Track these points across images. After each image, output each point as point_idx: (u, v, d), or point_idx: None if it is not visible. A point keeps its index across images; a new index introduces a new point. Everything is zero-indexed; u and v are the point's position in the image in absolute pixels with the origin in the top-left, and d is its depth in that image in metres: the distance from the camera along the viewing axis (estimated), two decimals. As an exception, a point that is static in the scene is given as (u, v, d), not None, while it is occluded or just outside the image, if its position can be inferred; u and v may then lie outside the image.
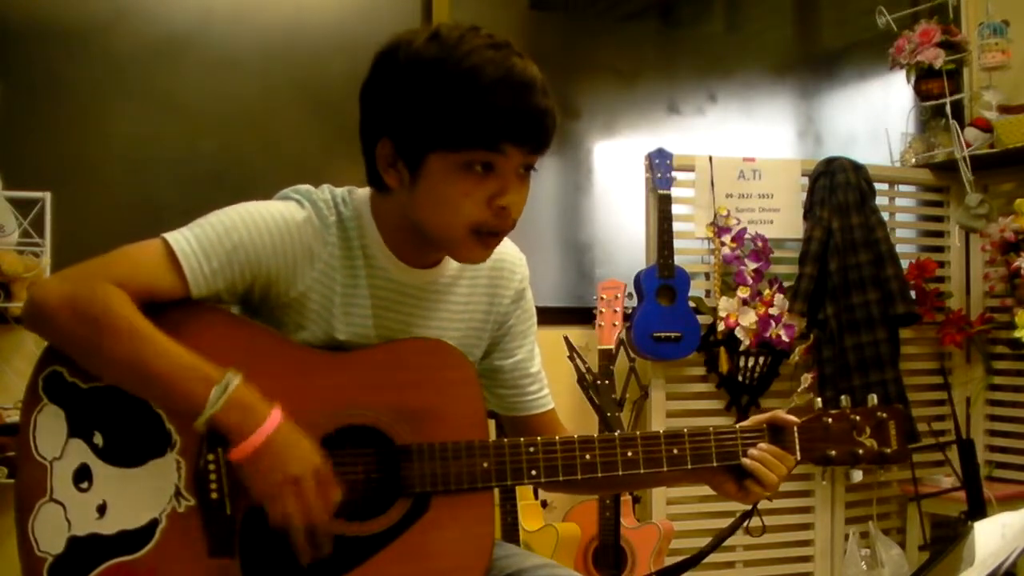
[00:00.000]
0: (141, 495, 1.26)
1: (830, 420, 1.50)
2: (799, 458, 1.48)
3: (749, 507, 1.58)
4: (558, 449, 1.38)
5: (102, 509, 1.25)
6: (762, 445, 1.46)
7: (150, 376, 1.22)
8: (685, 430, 1.44)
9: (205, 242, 1.28)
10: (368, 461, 1.35)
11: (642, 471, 1.41)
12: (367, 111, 1.33)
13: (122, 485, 1.26)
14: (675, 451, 1.42)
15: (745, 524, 1.62)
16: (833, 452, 1.50)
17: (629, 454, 1.40)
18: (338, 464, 1.29)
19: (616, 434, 1.41)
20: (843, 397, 1.55)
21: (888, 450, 1.51)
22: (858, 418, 1.51)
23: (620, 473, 1.40)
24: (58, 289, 1.24)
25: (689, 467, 1.43)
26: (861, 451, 1.51)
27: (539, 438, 1.39)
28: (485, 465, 1.35)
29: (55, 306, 1.22)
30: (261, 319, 1.36)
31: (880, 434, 1.51)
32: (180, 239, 1.28)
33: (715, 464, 1.45)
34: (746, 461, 1.45)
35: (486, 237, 1.31)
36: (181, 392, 1.22)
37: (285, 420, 1.24)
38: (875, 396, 1.54)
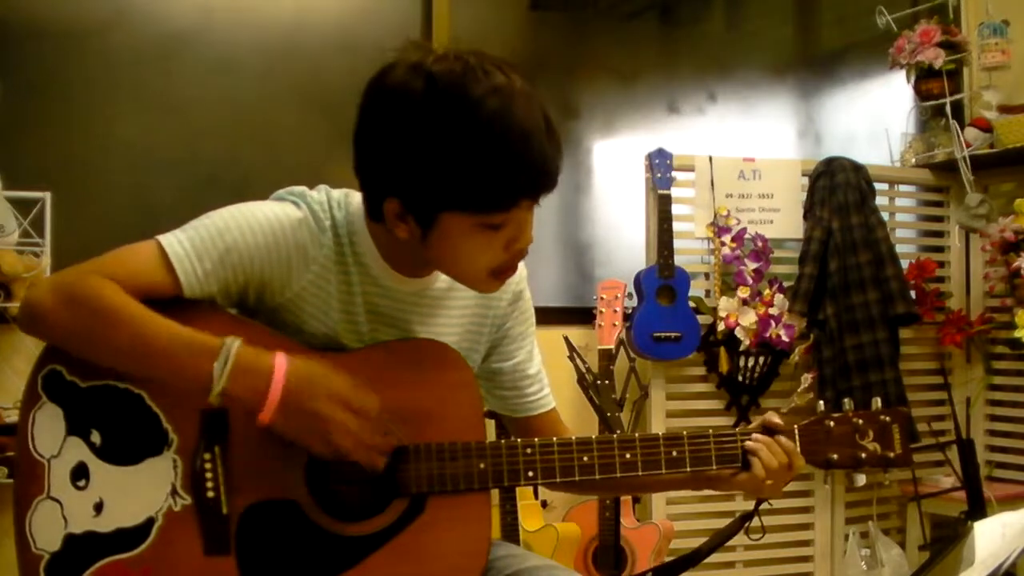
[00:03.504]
0: (138, 493, 1.26)
1: (832, 423, 1.49)
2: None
3: (751, 507, 1.58)
4: (555, 451, 1.37)
5: (99, 507, 1.25)
6: (762, 436, 1.44)
7: (152, 357, 1.22)
8: (684, 432, 1.43)
9: (199, 244, 1.28)
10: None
11: (640, 473, 1.40)
12: (368, 164, 1.28)
13: (119, 483, 1.26)
14: (674, 453, 1.42)
15: (745, 526, 1.61)
16: (835, 455, 1.48)
17: (627, 456, 1.40)
18: (335, 466, 1.30)
19: (615, 436, 1.40)
20: (846, 400, 1.53)
21: (891, 454, 1.49)
22: (861, 421, 1.49)
23: (618, 475, 1.39)
24: (51, 288, 1.24)
25: (688, 470, 1.42)
26: (863, 455, 1.49)
27: (536, 440, 1.38)
28: (482, 466, 1.34)
29: (50, 304, 1.23)
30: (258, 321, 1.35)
31: (883, 437, 1.49)
32: (173, 241, 1.28)
33: (715, 467, 1.44)
34: (749, 443, 1.43)
35: (503, 273, 1.34)
36: (184, 369, 1.21)
37: (291, 361, 1.23)
38: (879, 400, 1.52)
